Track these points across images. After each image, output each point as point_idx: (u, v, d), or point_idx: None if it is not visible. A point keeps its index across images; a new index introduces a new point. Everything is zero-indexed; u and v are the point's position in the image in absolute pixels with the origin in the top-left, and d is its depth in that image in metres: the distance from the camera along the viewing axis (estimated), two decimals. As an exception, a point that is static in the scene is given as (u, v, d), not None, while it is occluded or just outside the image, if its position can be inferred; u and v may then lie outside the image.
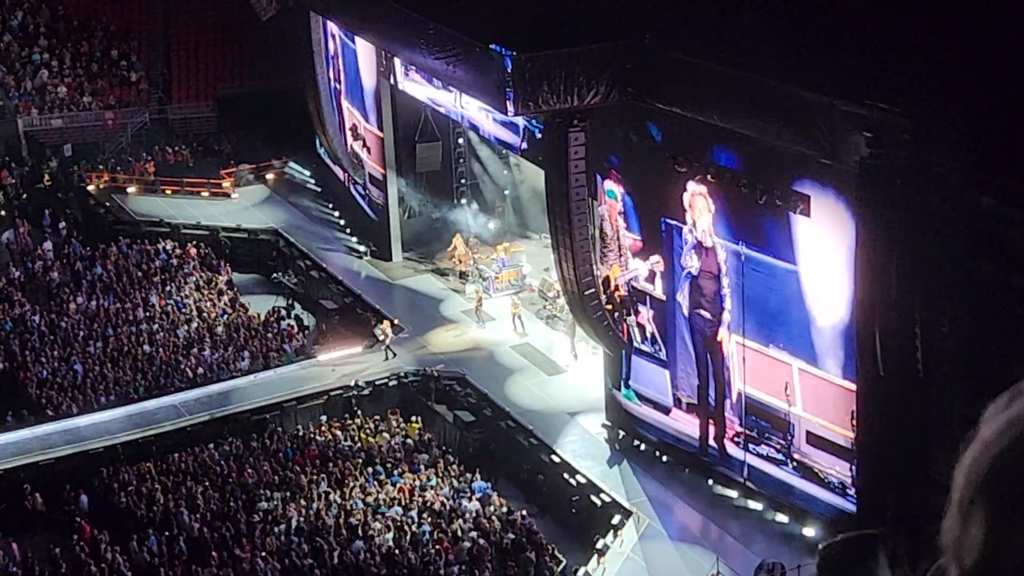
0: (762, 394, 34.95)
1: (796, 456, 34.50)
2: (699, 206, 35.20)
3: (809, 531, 34.41)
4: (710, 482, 37.41)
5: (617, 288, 37.99)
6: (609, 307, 38.03)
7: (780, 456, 34.98)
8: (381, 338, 45.07)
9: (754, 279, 34.18)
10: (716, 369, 36.14)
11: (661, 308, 37.28)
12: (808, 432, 34.03)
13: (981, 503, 2.55)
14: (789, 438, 34.54)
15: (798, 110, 30.73)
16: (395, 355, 44.88)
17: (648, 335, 37.95)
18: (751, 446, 35.67)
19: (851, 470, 33.07)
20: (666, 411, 38.00)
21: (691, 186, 35.06)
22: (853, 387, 32.02)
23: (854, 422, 32.42)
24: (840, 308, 31.98)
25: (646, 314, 37.80)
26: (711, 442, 36.94)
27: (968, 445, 2.62)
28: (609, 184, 37.54)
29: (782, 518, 35.45)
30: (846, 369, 32.29)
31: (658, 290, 37.17)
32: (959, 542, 2.61)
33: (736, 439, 36.09)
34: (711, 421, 36.75)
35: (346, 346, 45.79)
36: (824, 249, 32.00)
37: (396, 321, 46.28)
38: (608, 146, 37.18)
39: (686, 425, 37.60)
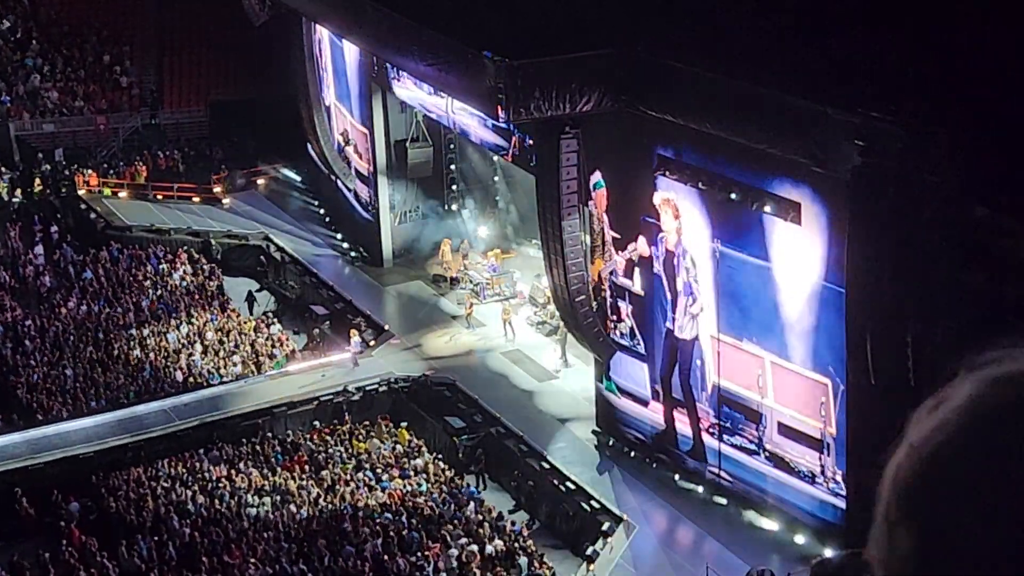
0: (736, 386, 35.49)
1: (768, 446, 35.10)
2: (668, 209, 35.74)
3: (799, 538, 34.42)
4: (676, 477, 37.91)
5: (602, 281, 38.31)
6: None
7: (752, 446, 35.48)
8: (352, 348, 45.20)
9: (728, 275, 34.67)
10: (685, 362, 36.88)
11: (640, 302, 37.74)
12: (779, 423, 34.58)
13: (907, 515, 2.36)
14: (761, 429, 35.03)
15: (791, 118, 30.74)
16: (358, 366, 44.89)
17: (628, 329, 38.36)
18: (725, 437, 36.13)
19: (820, 460, 33.67)
20: (644, 403, 38.55)
21: (662, 188, 35.56)
22: (822, 379, 32.71)
23: (823, 414, 32.98)
24: (810, 303, 32.50)
25: (625, 308, 38.17)
26: (685, 433, 37.51)
27: (895, 450, 2.44)
28: (598, 175, 37.78)
29: (772, 525, 35.46)
30: (815, 362, 32.90)
31: (636, 285, 37.57)
32: (887, 558, 2.39)
33: (711, 430, 36.61)
34: (686, 412, 37.28)
35: (338, 350, 45.80)
36: (796, 247, 32.37)
37: (363, 327, 46.32)
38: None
39: (661, 417, 38.26)
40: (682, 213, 35.39)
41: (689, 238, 35.50)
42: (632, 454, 39.12)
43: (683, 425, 37.48)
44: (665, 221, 36.03)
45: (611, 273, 38.22)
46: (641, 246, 37.02)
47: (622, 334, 38.57)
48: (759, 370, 34.58)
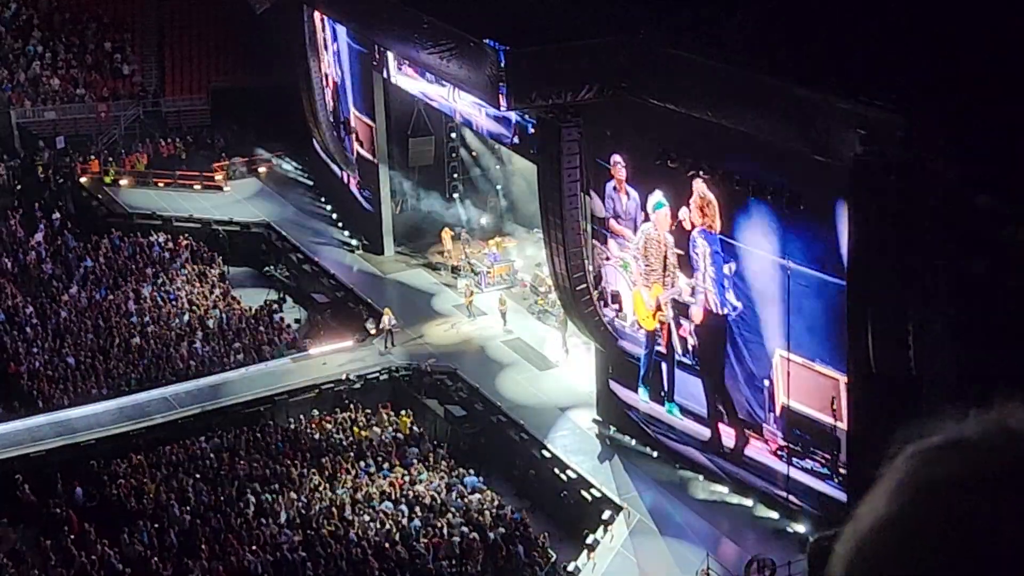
0: (808, 408, 33.65)
1: (842, 470, 33.19)
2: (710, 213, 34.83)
3: (799, 527, 34.41)
4: (676, 465, 37.72)
5: (660, 308, 36.99)
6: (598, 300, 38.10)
7: (826, 471, 33.70)
8: (382, 327, 45.26)
9: (799, 294, 32.99)
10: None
11: (704, 321, 35.95)
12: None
13: None
14: (836, 453, 33.29)
15: (793, 106, 30.68)
16: (393, 345, 44.97)
17: (690, 348, 36.68)
18: (795, 460, 34.40)
19: None
20: (704, 423, 36.80)
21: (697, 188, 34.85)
22: None
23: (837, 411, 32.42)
24: None
25: (688, 327, 36.49)
26: (746, 452, 35.89)
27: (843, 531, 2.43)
28: (658, 195, 36.22)
29: (772, 514, 35.45)
30: None
31: (699, 303, 35.85)
32: None
33: (779, 452, 34.82)
34: (751, 433, 35.50)
35: (339, 339, 45.81)
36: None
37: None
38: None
39: (727, 438, 36.34)
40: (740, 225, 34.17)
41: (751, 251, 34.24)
42: (633, 442, 39.10)
43: (728, 437, 36.11)
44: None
45: (677, 297, 36.54)
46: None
47: (684, 352, 36.93)
48: (833, 392, 32.78)
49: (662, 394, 38.02)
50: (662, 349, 37.49)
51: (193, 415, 41.89)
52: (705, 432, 36.79)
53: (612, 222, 37.84)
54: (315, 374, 43.86)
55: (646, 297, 37.45)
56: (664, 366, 37.77)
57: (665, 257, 36.48)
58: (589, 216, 38.11)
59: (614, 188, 37.40)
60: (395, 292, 49.73)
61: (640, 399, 38.62)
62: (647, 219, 36.66)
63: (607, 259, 38.31)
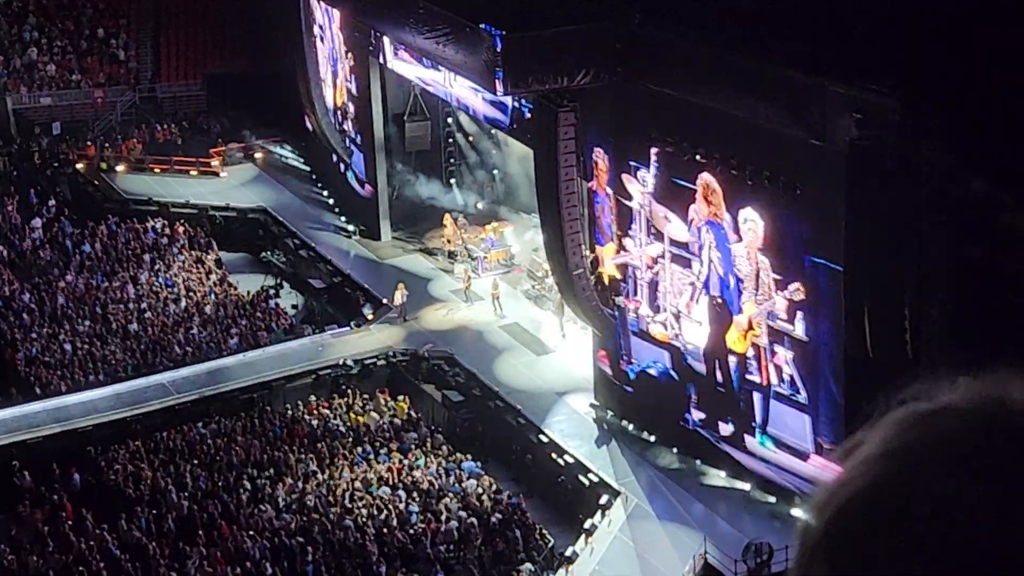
0: None
1: None
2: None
3: (797, 511, 34.44)
4: (673, 449, 37.50)
5: (752, 328, 34.77)
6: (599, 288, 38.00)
7: None
8: (397, 301, 45.70)
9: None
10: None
11: (803, 349, 33.67)
12: None
13: (825, 549, 2.22)
14: None
15: (788, 91, 30.71)
16: (406, 319, 45.41)
17: (787, 377, 34.40)
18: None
19: None
20: (804, 457, 34.63)
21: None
22: None
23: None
24: None
25: (784, 355, 34.22)
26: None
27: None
28: (749, 211, 33.95)
29: (769, 498, 35.50)
30: None
31: (798, 329, 33.46)
32: None
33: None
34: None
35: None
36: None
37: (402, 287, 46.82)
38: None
39: (825, 471, 35.41)
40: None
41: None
42: (631, 427, 39.12)
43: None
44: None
45: (768, 316, 34.31)
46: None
47: (780, 382, 34.57)
48: None
49: (753, 425, 35.92)
50: (754, 377, 35.37)
51: (190, 401, 41.87)
52: (803, 466, 34.85)
53: (696, 246, 35.64)
54: (312, 360, 43.87)
55: (738, 317, 35.29)
56: (757, 395, 35.59)
57: (757, 274, 34.28)
58: (667, 240, 36.42)
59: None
60: (392, 277, 49.69)
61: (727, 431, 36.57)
62: (738, 237, 34.41)
63: (691, 284, 36.24)
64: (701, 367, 36.64)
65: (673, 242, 36.21)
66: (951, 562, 2.05)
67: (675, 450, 37.91)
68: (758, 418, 35.57)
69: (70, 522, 36.90)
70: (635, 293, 37.97)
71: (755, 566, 33.27)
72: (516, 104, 41.74)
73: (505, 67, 34.75)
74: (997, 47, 27.59)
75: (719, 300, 35.46)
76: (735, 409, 36.03)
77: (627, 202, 37.01)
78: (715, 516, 35.87)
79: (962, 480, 2.11)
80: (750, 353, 35.04)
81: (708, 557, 33.94)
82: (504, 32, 34.77)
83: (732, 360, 35.59)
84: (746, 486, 36.11)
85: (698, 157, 34.25)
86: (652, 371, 38.29)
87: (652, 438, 38.56)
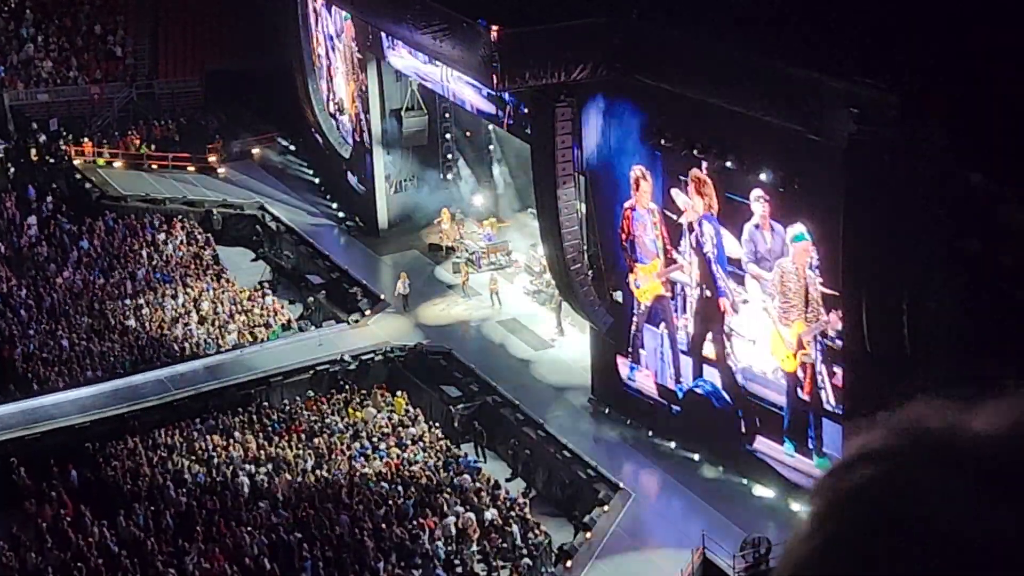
0: None
1: None
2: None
3: (796, 506, 34.45)
4: (672, 444, 37.41)
5: (803, 347, 33.97)
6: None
7: None
8: (398, 291, 46.04)
9: None
10: None
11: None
12: None
13: (816, 525, 2.32)
14: None
15: (786, 86, 30.70)
16: (408, 309, 45.84)
17: (843, 397, 33.33)
18: None
19: None
20: None
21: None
22: None
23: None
24: None
25: (841, 375, 33.30)
26: None
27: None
28: (799, 228, 33.22)
29: (768, 493, 35.51)
30: None
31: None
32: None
33: None
34: None
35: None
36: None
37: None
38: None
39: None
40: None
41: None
42: (629, 422, 39.13)
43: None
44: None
45: (823, 335, 33.55)
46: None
47: (837, 403, 33.52)
48: None
49: (809, 447, 35.07)
50: (805, 396, 34.61)
51: (188, 397, 41.87)
52: None
53: (752, 265, 34.62)
54: (310, 355, 43.85)
55: (786, 336, 34.39)
56: (810, 416, 34.77)
57: (806, 291, 33.43)
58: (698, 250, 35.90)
59: (756, 226, 34.22)
60: (390, 273, 49.70)
61: (785, 453, 35.68)
62: (783, 252, 33.67)
63: (745, 302, 35.33)
64: (754, 387, 36.01)
65: (729, 259, 35.37)
66: (951, 562, 2.05)
67: (675, 445, 37.88)
68: (811, 439, 34.69)
69: (68, 519, 36.89)
70: (683, 311, 37.24)
71: (753, 560, 33.28)
72: (513, 100, 41.70)
73: (502, 62, 34.74)
74: (994, 42, 27.60)
75: (708, 294, 35.46)
76: (790, 429, 35.28)
77: (676, 217, 36.39)
78: (713, 511, 35.85)
79: (962, 480, 2.12)
80: (800, 373, 34.39)
81: (707, 552, 33.93)
82: (500, 27, 34.74)
83: (783, 379, 34.93)
84: (744, 480, 36.12)
85: (695, 152, 34.28)
86: (699, 390, 37.45)
87: (650, 432, 38.51)
